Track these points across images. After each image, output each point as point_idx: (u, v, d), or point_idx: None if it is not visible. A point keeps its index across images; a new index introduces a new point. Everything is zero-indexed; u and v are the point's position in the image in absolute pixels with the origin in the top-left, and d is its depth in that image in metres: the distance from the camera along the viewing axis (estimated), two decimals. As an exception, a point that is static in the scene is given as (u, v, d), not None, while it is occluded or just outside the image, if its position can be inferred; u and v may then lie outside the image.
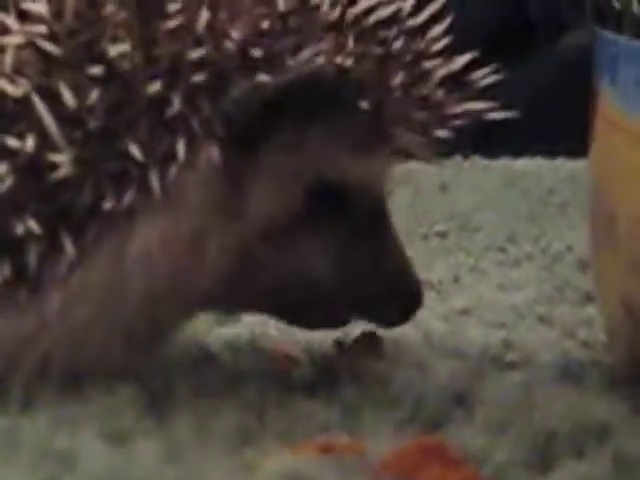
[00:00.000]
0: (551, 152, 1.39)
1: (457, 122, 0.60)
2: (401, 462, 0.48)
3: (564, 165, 1.38)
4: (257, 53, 0.54)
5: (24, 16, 0.52)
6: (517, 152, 1.38)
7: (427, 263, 0.66)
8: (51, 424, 0.50)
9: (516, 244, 1.01)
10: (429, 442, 0.51)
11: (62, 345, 0.55)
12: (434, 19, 0.59)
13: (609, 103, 0.60)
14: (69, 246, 0.52)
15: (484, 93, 0.60)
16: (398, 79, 0.57)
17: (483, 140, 0.94)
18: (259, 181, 0.56)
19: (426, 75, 0.58)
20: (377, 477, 0.46)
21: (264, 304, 0.62)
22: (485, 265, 0.95)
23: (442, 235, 1.02)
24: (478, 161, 1.35)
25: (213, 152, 0.54)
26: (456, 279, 0.88)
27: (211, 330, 0.67)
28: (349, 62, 0.56)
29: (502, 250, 1.00)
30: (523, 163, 1.38)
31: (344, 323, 0.63)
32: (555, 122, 1.25)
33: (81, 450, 0.47)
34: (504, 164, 1.38)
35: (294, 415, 0.55)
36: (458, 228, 1.05)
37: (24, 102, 0.52)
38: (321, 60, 0.55)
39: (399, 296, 0.61)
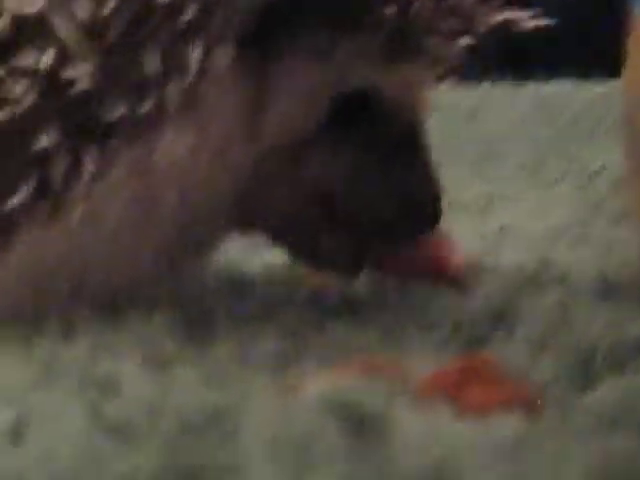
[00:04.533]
0: (580, 75, 1.39)
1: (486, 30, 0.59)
2: (442, 382, 0.48)
3: (593, 88, 1.38)
4: None
5: None
6: (546, 76, 1.38)
7: (459, 187, 0.66)
8: (92, 352, 0.50)
9: (548, 167, 1.01)
10: (470, 363, 0.51)
11: (92, 262, 0.55)
12: None
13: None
14: (90, 158, 0.52)
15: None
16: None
17: (511, 64, 0.93)
18: (282, 88, 0.56)
19: None
20: (420, 398, 0.46)
21: (287, 226, 0.61)
22: (517, 188, 0.95)
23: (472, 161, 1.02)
24: (507, 86, 1.35)
25: (228, 59, 0.54)
26: (489, 202, 0.88)
27: (246, 257, 0.67)
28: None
29: (533, 173, 1.00)
30: (552, 87, 1.38)
31: (359, 264, 0.62)
32: (585, 44, 1.24)
33: (123, 377, 0.47)
34: (533, 88, 1.38)
35: (332, 338, 0.55)
36: (488, 150, 1.05)
37: (41, 18, 0.52)
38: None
39: (415, 210, 0.60)
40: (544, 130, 1.18)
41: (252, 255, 0.67)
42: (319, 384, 0.45)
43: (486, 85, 1.27)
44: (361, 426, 0.42)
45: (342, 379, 0.46)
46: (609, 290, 0.64)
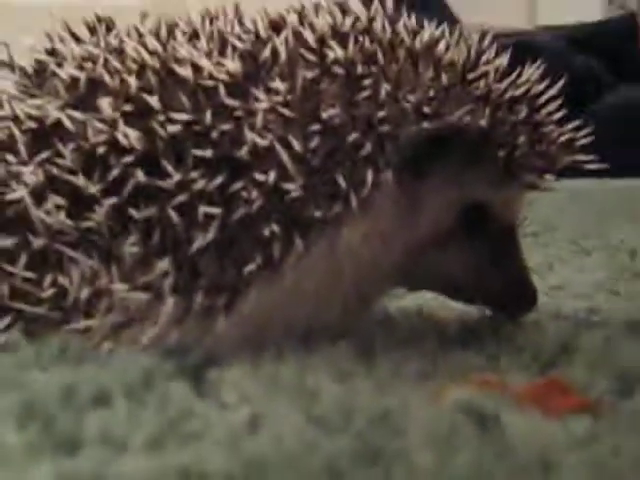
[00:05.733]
0: (597, 174, 1.37)
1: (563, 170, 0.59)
2: (533, 394, 0.48)
3: (611, 183, 1.36)
4: (427, 111, 0.54)
5: (269, 90, 0.53)
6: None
7: (527, 254, 0.65)
8: (299, 370, 0.50)
9: (586, 239, 1.00)
10: (549, 380, 0.50)
11: (299, 311, 0.55)
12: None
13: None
14: (299, 243, 0.52)
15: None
16: (524, 138, 0.57)
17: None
18: (426, 201, 0.56)
19: (544, 136, 0.58)
20: (519, 404, 0.46)
21: (427, 286, 0.62)
22: (567, 255, 0.94)
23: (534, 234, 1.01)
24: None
25: (392, 179, 0.54)
26: (550, 266, 0.87)
27: (391, 302, 0.66)
28: (488, 123, 0.55)
29: (575, 242, 0.99)
30: (582, 182, 1.36)
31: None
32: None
33: (322, 387, 0.47)
34: (566, 184, 1.36)
35: (456, 360, 0.55)
36: (544, 229, 1.04)
37: (269, 149, 0.52)
38: (468, 119, 0.55)
39: (521, 297, 0.60)
40: (580, 214, 1.16)
41: (394, 301, 0.67)
42: (454, 394, 0.45)
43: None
44: (483, 423, 0.42)
45: (468, 391, 0.46)
46: (638, 328, 0.63)
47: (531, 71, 0.59)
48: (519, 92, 0.57)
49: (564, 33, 1.72)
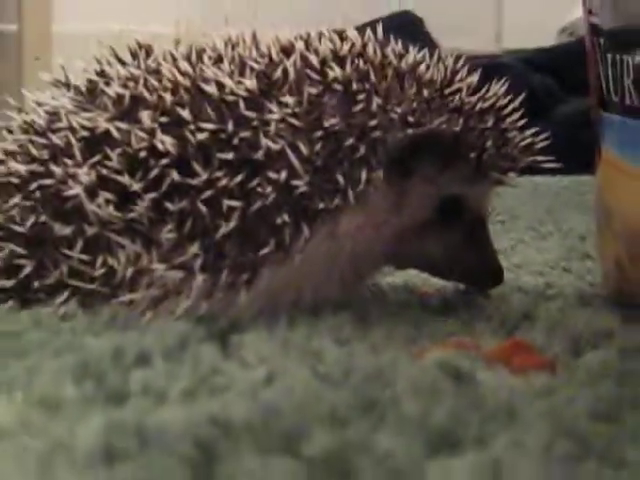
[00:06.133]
0: (552, 171, 1.36)
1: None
2: (501, 354, 0.47)
3: (563, 180, 1.35)
4: (410, 120, 0.54)
5: (280, 104, 0.53)
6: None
7: (495, 238, 0.65)
8: (306, 334, 0.50)
9: (543, 226, 1.00)
10: (514, 342, 0.50)
11: (306, 286, 0.55)
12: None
13: (606, 150, 0.59)
14: (306, 229, 0.52)
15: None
16: (491, 143, 0.56)
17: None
18: (411, 194, 0.55)
19: (508, 141, 0.58)
20: (489, 363, 0.46)
21: (412, 265, 0.62)
22: (527, 238, 0.93)
23: (501, 222, 1.00)
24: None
25: (382, 176, 0.54)
26: (513, 248, 0.87)
27: (382, 278, 0.66)
28: (461, 129, 0.55)
29: (534, 229, 0.99)
30: (539, 178, 1.35)
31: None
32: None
33: (325, 348, 0.48)
34: (527, 180, 1.35)
35: (435, 327, 0.55)
36: (509, 217, 1.04)
37: (281, 152, 0.52)
38: (444, 127, 0.55)
39: (490, 274, 0.60)
40: (538, 204, 1.16)
41: (384, 277, 0.66)
42: (435, 354, 0.45)
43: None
44: (459, 378, 0.42)
45: (446, 351, 0.46)
46: (584, 300, 0.63)
47: (497, 87, 0.58)
48: (487, 104, 0.57)
49: (525, 56, 1.71)
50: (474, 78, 0.58)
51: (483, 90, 0.57)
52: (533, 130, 0.58)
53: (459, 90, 0.56)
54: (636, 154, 0.54)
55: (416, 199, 0.56)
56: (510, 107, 0.58)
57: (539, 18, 1.92)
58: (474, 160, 0.56)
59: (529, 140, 0.58)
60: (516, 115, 0.58)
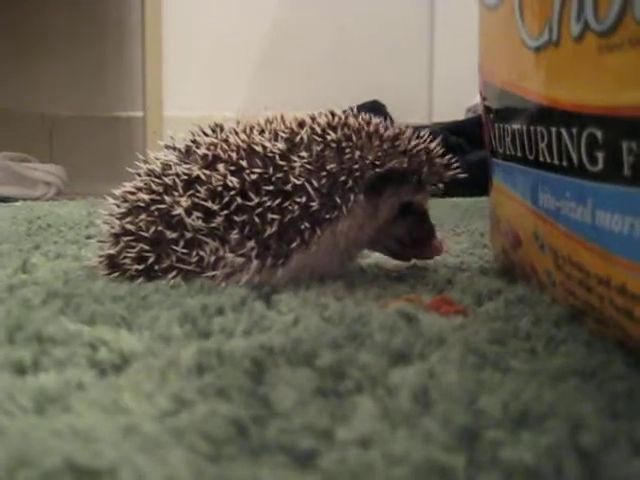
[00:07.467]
0: (465, 194, 1.33)
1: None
2: (434, 304, 0.47)
3: (470, 199, 1.33)
4: (377, 162, 0.53)
5: (299, 157, 0.51)
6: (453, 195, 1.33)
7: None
8: (318, 294, 0.49)
9: (458, 228, 0.98)
10: (442, 297, 0.49)
11: (318, 266, 0.53)
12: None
13: (495, 181, 0.57)
14: (318, 231, 0.51)
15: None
16: (426, 169, 0.55)
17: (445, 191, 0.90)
18: (381, 206, 0.54)
19: (435, 166, 0.56)
20: (427, 310, 0.45)
21: (381, 250, 0.60)
22: (443, 235, 0.91)
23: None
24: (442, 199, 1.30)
25: (363, 197, 0.52)
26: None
27: (362, 260, 0.64)
28: (407, 164, 0.54)
29: (453, 229, 0.97)
30: (456, 199, 1.33)
31: (409, 259, 0.60)
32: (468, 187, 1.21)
33: (329, 303, 0.46)
34: (450, 199, 1.33)
35: (394, 288, 0.53)
36: (438, 223, 1.01)
37: (302, 185, 0.50)
38: (397, 163, 0.53)
39: (432, 246, 0.58)
40: (452, 214, 1.13)
41: (363, 258, 0.64)
42: (394, 305, 0.44)
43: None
44: (409, 320, 0.41)
45: (401, 303, 0.45)
46: (485, 271, 0.61)
47: (426, 136, 0.57)
48: (421, 146, 0.55)
49: (446, 125, 1.69)
50: (413, 133, 0.56)
51: (418, 139, 0.56)
52: (449, 158, 0.57)
53: (404, 140, 0.55)
54: (512, 183, 0.53)
55: (385, 208, 0.54)
56: (435, 145, 0.56)
57: (455, 101, 1.91)
58: (416, 180, 0.55)
59: (447, 162, 0.57)
60: (439, 151, 0.56)
